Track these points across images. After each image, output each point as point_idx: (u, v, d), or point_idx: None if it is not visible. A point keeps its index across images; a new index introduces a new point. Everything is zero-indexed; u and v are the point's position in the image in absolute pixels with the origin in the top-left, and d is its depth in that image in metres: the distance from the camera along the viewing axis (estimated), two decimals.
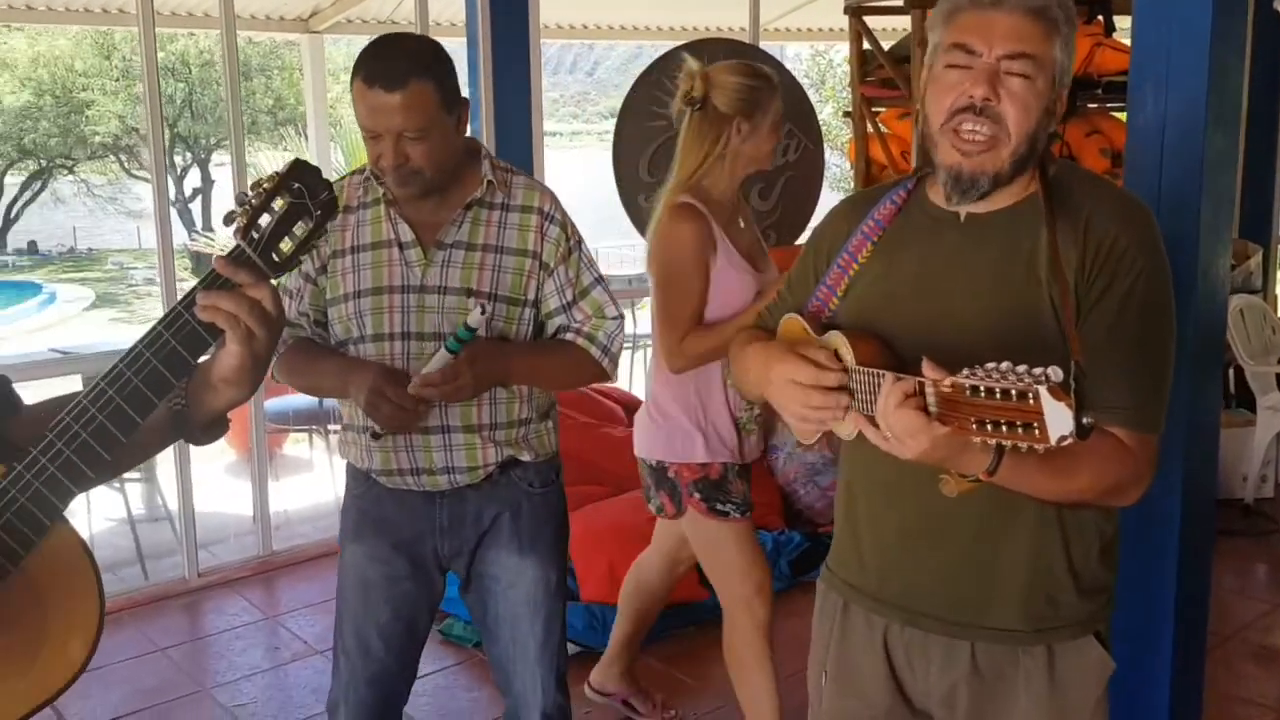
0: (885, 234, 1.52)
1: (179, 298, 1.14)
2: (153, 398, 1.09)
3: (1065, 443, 1.04)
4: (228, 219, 1.13)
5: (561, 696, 2.18)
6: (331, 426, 5.23)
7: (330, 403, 5.12)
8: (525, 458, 2.08)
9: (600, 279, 2.11)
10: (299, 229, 1.13)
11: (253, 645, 3.64)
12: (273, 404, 5.05)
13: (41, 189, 20.40)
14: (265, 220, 1.12)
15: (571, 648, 3.39)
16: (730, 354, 1.68)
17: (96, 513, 4.47)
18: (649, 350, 7.60)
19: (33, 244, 20.05)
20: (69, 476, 1.05)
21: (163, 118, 3.94)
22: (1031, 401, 1.05)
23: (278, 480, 4.39)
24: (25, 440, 1.08)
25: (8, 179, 19.90)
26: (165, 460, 4.42)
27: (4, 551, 1.03)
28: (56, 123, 18.38)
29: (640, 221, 4.94)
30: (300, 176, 1.14)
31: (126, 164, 19.66)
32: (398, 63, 1.84)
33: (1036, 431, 1.05)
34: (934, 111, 1.40)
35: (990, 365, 1.10)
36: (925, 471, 1.29)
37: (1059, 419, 1.04)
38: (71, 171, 20.21)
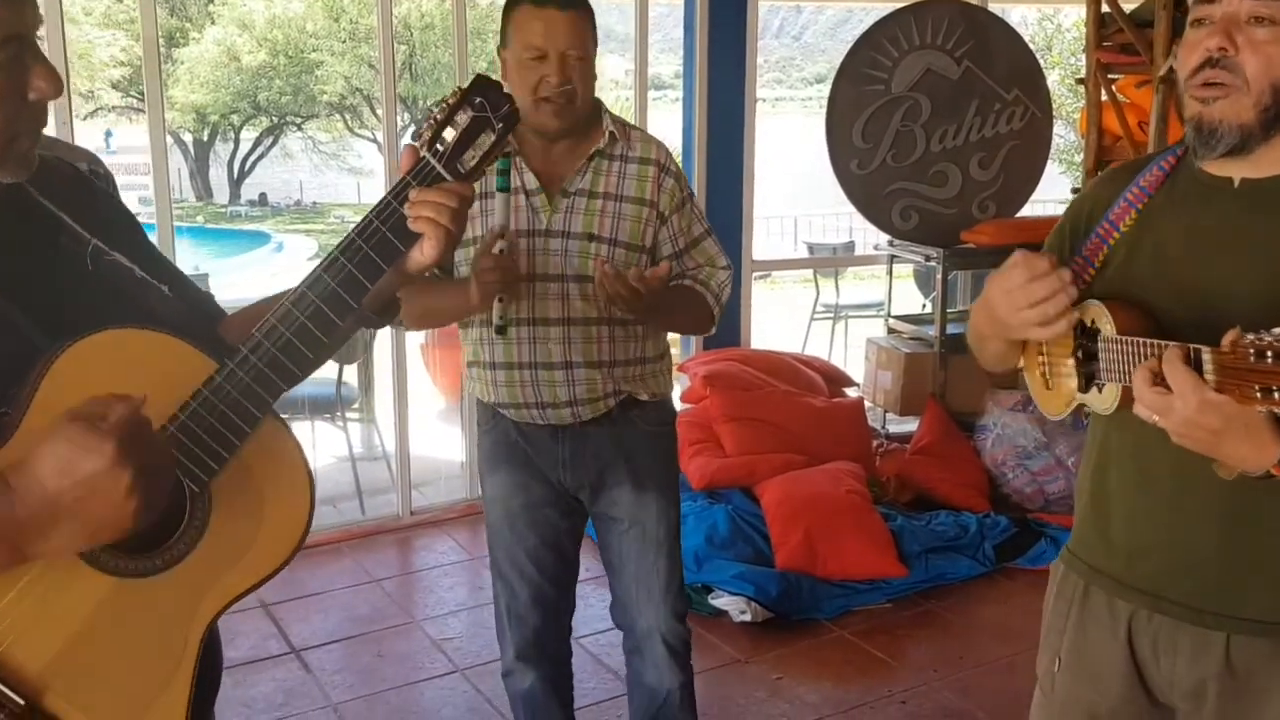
0: (1151, 201, 1.45)
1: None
2: (366, 284, 1.15)
3: None
4: (415, 136, 1.19)
5: (683, 629, 2.31)
6: None
7: None
8: (643, 396, 2.21)
9: (710, 231, 2.22)
10: (482, 141, 1.19)
11: (459, 583, 3.81)
12: None
13: (273, 144, 21.75)
14: (449, 134, 1.18)
15: (763, 613, 3.40)
16: (969, 335, 1.62)
17: (321, 449, 4.77)
18: (849, 321, 7.50)
19: (263, 196, 21.43)
20: (279, 367, 1.13)
21: (395, 78, 4.11)
22: None
23: None
24: (235, 341, 1.17)
25: (243, 134, 21.34)
26: (384, 403, 4.66)
27: (221, 442, 1.10)
28: (289, 81, 19.50)
29: (851, 189, 4.85)
30: (482, 91, 1.19)
31: (350, 123, 20.74)
32: None
33: None
34: (1182, 72, 1.36)
35: (1279, 330, 1.03)
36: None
37: None
38: (300, 128, 21.46)
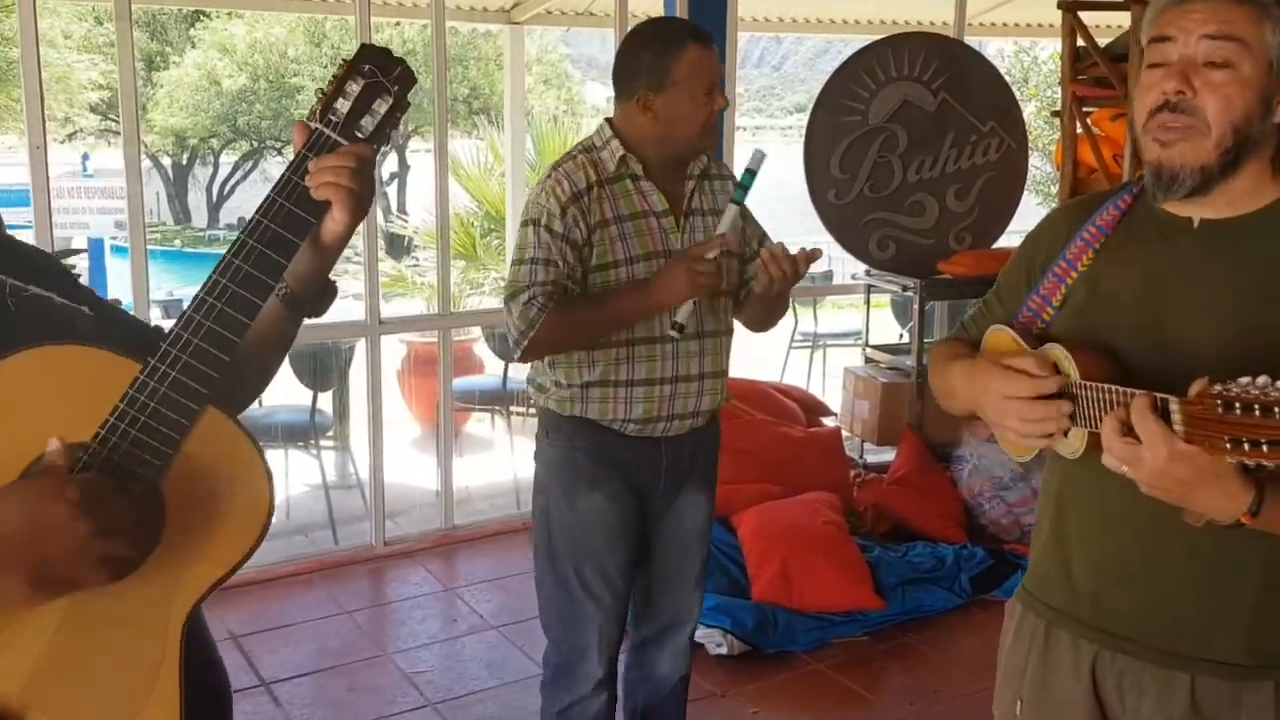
0: (1108, 241, 1.44)
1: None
2: (280, 260, 1.14)
3: None
4: (310, 114, 1.17)
5: (698, 619, 2.49)
6: (515, 408, 5.36)
7: (515, 384, 5.24)
8: (721, 400, 2.37)
9: (766, 235, 2.40)
10: (378, 106, 1.17)
11: (431, 615, 3.76)
12: (459, 383, 5.21)
13: (253, 168, 21.67)
14: (341, 104, 1.16)
15: (739, 646, 3.37)
16: (930, 370, 1.62)
17: (295, 477, 4.71)
18: (827, 350, 7.48)
19: (242, 220, 21.21)
20: (205, 356, 1.10)
21: None
22: None
23: (461, 457, 4.53)
24: None
25: (222, 158, 21.27)
26: (358, 430, 4.62)
27: (161, 439, 1.08)
28: (269, 106, 19.44)
29: (828, 218, 4.85)
30: (370, 58, 1.17)
31: None
32: (702, 29, 2.22)
33: None
34: (1138, 114, 1.36)
35: (1245, 380, 1.02)
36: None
37: None
38: (280, 153, 21.39)
